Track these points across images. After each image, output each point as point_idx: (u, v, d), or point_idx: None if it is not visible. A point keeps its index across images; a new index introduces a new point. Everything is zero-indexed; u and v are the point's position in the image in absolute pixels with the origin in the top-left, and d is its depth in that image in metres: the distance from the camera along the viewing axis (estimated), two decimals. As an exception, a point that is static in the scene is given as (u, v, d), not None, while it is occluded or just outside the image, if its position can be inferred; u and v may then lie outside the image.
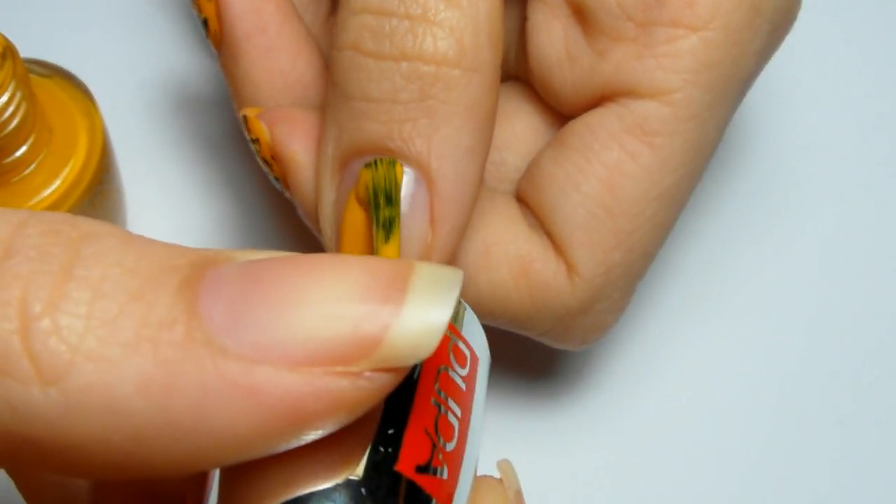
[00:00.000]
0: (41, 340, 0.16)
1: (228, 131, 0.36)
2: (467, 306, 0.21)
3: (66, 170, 0.30)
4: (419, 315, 0.16)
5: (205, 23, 0.28)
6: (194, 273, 0.17)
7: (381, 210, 0.24)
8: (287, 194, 0.28)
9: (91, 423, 0.16)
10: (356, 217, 0.25)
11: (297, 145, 0.27)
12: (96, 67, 0.34)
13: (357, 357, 0.16)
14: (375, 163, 0.24)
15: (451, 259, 0.26)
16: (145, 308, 0.16)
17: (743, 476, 0.34)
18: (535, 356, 0.34)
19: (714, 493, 0.33)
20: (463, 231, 0.26)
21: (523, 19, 0.29)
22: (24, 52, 0.29)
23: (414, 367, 0.17)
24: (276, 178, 0.28)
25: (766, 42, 0.28)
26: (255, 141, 0.27)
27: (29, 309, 0.16)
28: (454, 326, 0.21)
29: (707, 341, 0.35)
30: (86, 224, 0.17)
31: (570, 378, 0.34)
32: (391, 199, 0.24)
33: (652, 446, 0.34)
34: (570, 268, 0.27)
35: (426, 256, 0.25)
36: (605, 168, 0.27)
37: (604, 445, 0.34)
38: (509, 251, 0.27)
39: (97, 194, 0.30)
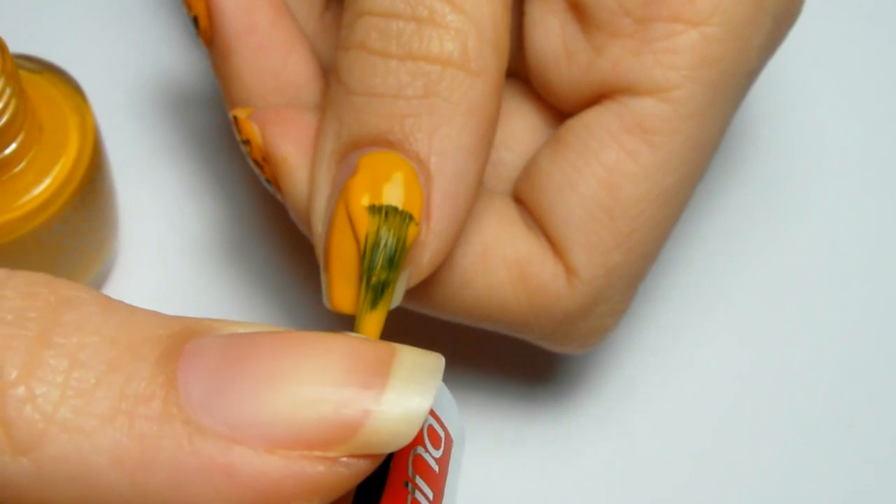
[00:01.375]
0: (15, 408, 0.16)
1: (223, 130, 0.36)
2: (442, 384, 0.21)
3: (57, 168, 0.29)
4: (400, 402, 0.17)
5: (195, 21, 0.28)
6: (174, 345, 0.17)
7: (377, 271, 0.24)
8: (278, 196, 0.28)
9: (63, 494, 0.16)
10: (346, 218, 0.25)
11: (290, 146, 0.26)
12: (88, 64, 0.34)
13: (335, 442, 0.16)
14: (386, 211, 0.24)
15: (445, 260, 0.26)
16: (123, 380, 0.16)
17: (750, 482, 0.34)
18: (534, 360, 0.34)
19: (721, 500, 0.33)
20: (458, 232, 0.26)
21: (520, 15, 0.28)
22: (14, 47, 0.29)
23: None
24: (268, 180, 0.27)
25: (768, 37, 0.27)
26: (246, 142, 0.27)
27: (4, 375, 0.16)
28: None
29: (710, 344, 0.35)
30: (64, 288, 0.17)
31: (569, 383, 0.34)
32: (395, 263, 0.24)
33: (655, 452, 0.34)
34: (568, 270, 0.27)
35: (418, 253, 0.25)
36: (604, 168, 0.27)
37: (605, 452, 0.33)
38: (507, 253, 0.27)
39: (88, 193, 0.30)
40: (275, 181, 0.27)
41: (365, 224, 0.24)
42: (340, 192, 0.25)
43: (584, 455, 0.33)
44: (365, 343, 0.17)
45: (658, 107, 0.26)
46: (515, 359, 0.34)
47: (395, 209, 0.24)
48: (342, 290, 0.25)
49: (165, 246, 0.35)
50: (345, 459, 0.17)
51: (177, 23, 0.37)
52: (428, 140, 0.24)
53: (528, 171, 0.28)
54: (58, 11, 0.37)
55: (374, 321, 0.24)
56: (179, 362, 0.17)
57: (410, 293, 0.26)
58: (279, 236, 0.35)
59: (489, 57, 0.25)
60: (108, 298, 0.18)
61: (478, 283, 0.27)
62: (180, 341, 0.17)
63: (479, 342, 0.33)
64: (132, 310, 0.17)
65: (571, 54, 0.28)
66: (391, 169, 0.24)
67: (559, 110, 0.29)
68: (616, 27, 0.27)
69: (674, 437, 0.34)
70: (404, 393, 0.17)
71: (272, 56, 0.28)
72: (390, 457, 0.19)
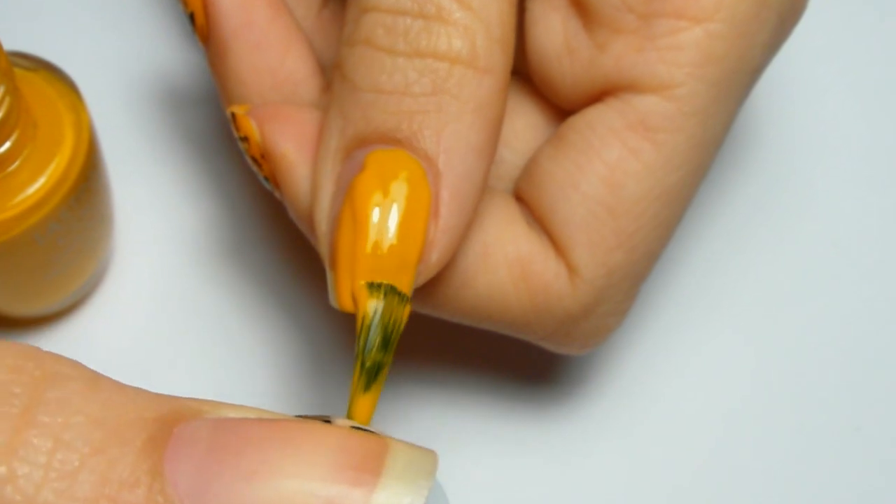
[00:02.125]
0: None
1: (220, 128, 0.36)
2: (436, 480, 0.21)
3: (52, 166, 0.29)
4: (391, 502, 0.16)
5: (191, 17, 0.28)
6: (161, 430, 0.17)
7: (373, 352, 0.24)
8: (277, 194, 0.27)
9: None
10: (352, 215, 0.25)
11: (288, 143, 0.26)
12: (83, 61, 0.34)
13: None
14: (383, 290, 0.24)
15: (451, 260, 0.26)
16: (107, 464, 0.16)
17: (756, 485, 0.33)
18: (534, 361, 0.34)
19: None
20: (465, 232, 0.25)
21: (522, 12, 0.28)
22: (8, 44, 0.29)
23: None
24: (266, 178, 0.27)
25: (773, 34, 0.27)
26: (244, 139, 0.27)
27: None
28: None
29: (714, 346, 0.35)
30: (50, 362, 0.17)
31: (570, 384, 0.34)
32: (389, 345, 0.24)
33: (658, 456, 0.33)
34: (570, 269, 0.27)
35: (426, 253, 0.25)
36: (606, 166, 0.27)
37: (606, 455, 0.33)
38: (508, 252, 0.27)
39: (83, 192, 0.30)
40: (273, 178, 0.27)
41: (364, 302, 0.24)
42: (346, 190, 0.25)
43: (585, 458, 0.33)
44: (357, 437, 0.17)
45: (661, 104, 0.26)
46: (515, 360, 0.34)
47: (394, 289, 0.24)
48: (349, 289, 0.24)
49: (162, 246, 0.35)
50: None
51: (173, 20, 0.37)
52: (436, 138, 0.24)
53: (530, 169, 0.28)
54: (53, 8, 0.37)
55: (367, 404, 0.24)
56: (166, 449, 0.17)
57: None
58: (278, 236, 0.35)
59: (497, 55, 0.25)
60: (95, 374, 0.17)
61: (479, 282, 0.27)
62: (168, 425, 0.17)
63: (479, 343, 0.33)
64: (118, 388, 0.17)
65: (573, 51, 0.27)
66: (399, 166, 0.24)
67: (561, 108, 0.29)
68: (619, 23, 0.26)
69: (676, 440, 0.34)
70: (395, 493, 0.17)
71: (269, 53, 0.28)
72: None
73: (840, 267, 0.36)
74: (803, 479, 0.34)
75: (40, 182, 0.29)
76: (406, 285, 0.24)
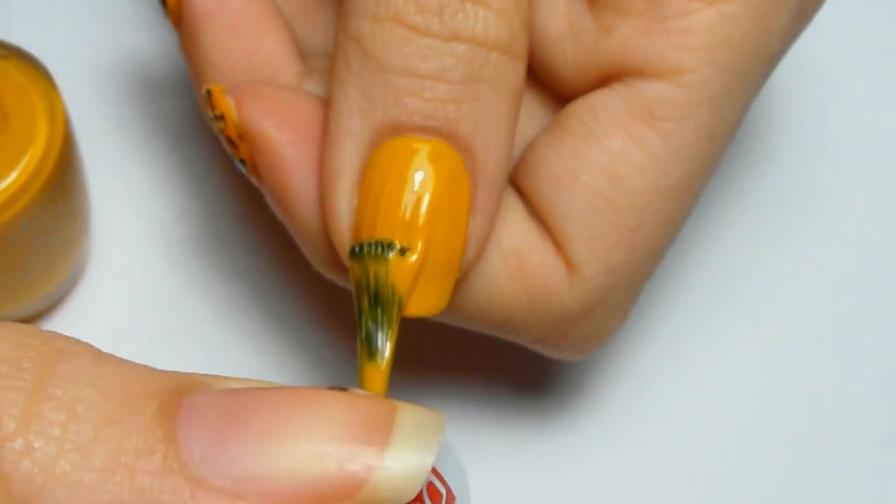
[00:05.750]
0: (13, 461, 0.16)
1: (202, 117, 0.35)
2: (448, 442, 0.22)
3: (24, 161, 0.29)
4: (403, 459, 0.17)
5: None
6: (171, 400, 0.17)
7: (365, 315, 0.24)
8: (253, 179, 0.27)
9: None
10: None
11: (268, 121, 0.26)
12: (57, 48, 0.33)
13: (339, 497, 0.17)
14: (374, 249, 0.24)
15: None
16: (122, 434, 0.17)
17: (767, 501, 0.33)
18: (527, 367, 0.33)
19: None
20: (495, 222, 0.26)
21: None
22: (-22, 30, 0.29)
23: None
24: (242, 161, 0.27)
25: (793, 18, 0.27)
26: (220, 118, 0.27)
27: (2, 427, 0.16)
28: None
29: (722, 351, 0.34)
30: (56, 339, 0.18)
31: (566, 392, 0.34)
32: (381, 302, 0.24)
33: (659, 470, 0.33)
34: (569, 265, 0.27)
35: (466, 248, 0.25)
36: (608, 155, 0.26)
37: (604, 468, 0.33)
38: (504, 241, 0.27)
39: (58, 188, 0.30)
40: (251, 161, 0.27)
41: (353, 268, 0.24)
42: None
43: (582, 472, 0.33)
44: (365, 399, 0.18)
45: (669, 91, 0.26)
46: (506, 365, 0.33)
47: (380, 247, 0.24)
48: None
49: (141, 243, 0.35)
50: None
51: (152, 3, 0.37)
52: (473, 127, 0.24)
53: (527, 158, 0.28)
54: (25, -6, 0.38)
55: (374, 372, 0.24)
56: (178, 417, 0.17)
57: None
58: (260, 231, 0.35)
59: (525, 40, 0.25)
60: (98, 350, 0.18)
61: (471, 273, 0.27)
62: (177, 396, 0.17)
63: (472, 353, 0.33)
64: (125, 363, 0.18)
65: (578, 34, 0.27)
66: (438, 158, 0.24)
67: (563, 96, 0.28)
68: (626, 4, 0.26)
69: (683, 455, 0.33)
70: (407, 449, 0.17)
71: (244, 36, 0.28)
72: None
73: (861, 268, 0.36)
74: (821, 495, 0.33)
75: (12, 177, 0.29)
76: (449, 287, 0.25)
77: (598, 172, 0.26)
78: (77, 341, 0.18)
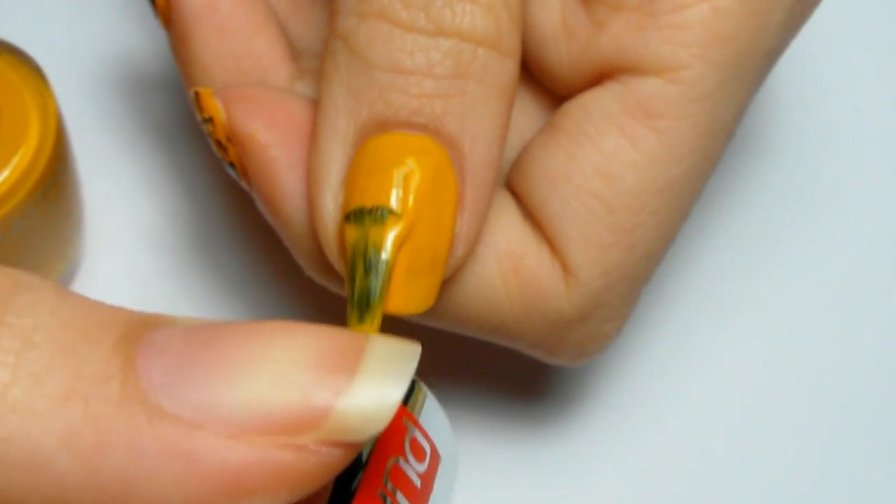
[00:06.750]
0: None
1: (195, 118, 0.34)
2: (430, 396, 0.21)
3: (16, 159, 0.29)
4: (372, 387, 0.17)
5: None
6: (133, 331, 0.17)
7: (357, 280, 0.24)
8: (243, 183, 0.27)
9: (11, 478, 0.16)
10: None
11: (257, 123, 0.26)
12: (50, 46, 0.33)
13: (304, 428, 0.17)
14: (364, 214, 0.24)
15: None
16: (78, 361, 0.17)
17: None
18: (523, 373, 0.33)
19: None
20: (484, 222, 0.25)
21: None
22: (-31, 27, 0.29)
23: (362, 452, 0.18)
24: (231, 164, 0.27)
25: (790, 13, 0.26)
26: (208, 120, 0.27)
27: None
28: (412, 416, 0.21)
29: (724, 356, 0.34)
30: (18, 273, 0.18)
31: (563, 399, 0.33)
32: (371, 266, 0.24)
33: (659, 476, 0.33)
34: (565, 268, 0.26)
35: (453, 247, 0.25)
36: (602, 155, 0.26)
37: (604, 474, 0.33)
38: (499, 244, 0.27)
39: (50, 187, 0.30)
40: (240, 164, 0.27)
41: (347, 238, 0.24)
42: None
43: (580, 481, 0.33)
44: (335, 330, 0.17)
45: (664, 88, 0.25)
46: (502, 371, 0.33)
47: (365, 212, 0.24)
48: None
49: (134, 243, 0.34)
50: (314, 447, 0.17)
51: (142, 1, 0.37)
52: (461, 123, 0.24)
53: (521, 159, 0.27)
54: (17, -10, 0.38)
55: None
56: (139, 346, 0.17)
57: None
58: (256, 231, 0.35)
59: (516, 37, 0.25)
60: (63, 287, 0.18)
61: (465, 276, 0.26)
62: (139, 329, 0.17)
63: (469, 357, 0.33)
64: (88, 299, 0.18)
65: (571, 31, 0.27)
66: (423, 153, 0.24)
67: (557, 94, 0.28)
68: (619, 0, 0.26)
69: (684, 463, 0.33)
70: (376, 377, 0.17)
71: (235, 38, 0.28)
72: (365, 462, 0.19)
73: (866, 270, 0.35)
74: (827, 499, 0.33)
75: (3, 175, 0.29)
76: (436, 285, 0.24)
77: (591, 172, 0.26)
78: (40, 277, 0.18)
